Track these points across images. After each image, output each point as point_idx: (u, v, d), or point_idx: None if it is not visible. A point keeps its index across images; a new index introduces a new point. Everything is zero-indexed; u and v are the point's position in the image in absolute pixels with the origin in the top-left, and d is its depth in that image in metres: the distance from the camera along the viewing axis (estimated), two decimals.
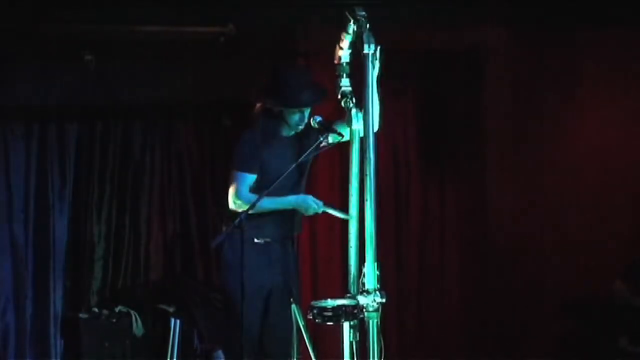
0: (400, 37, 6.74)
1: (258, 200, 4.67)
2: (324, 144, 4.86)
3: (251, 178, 4.89)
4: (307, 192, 5.05)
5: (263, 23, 6.78)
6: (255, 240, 4.92)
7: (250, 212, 4.65)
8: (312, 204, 4.93)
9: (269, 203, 4.81)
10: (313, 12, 6.67)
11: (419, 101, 7.17)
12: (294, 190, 4.99)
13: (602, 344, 6.63)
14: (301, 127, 4.95)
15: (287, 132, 4.99)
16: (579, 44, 7.04)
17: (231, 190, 4.89)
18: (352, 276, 4.71)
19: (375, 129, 4.60)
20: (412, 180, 7.17)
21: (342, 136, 4.82)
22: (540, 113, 7.09)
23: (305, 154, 4.83)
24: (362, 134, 4.64)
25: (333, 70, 4.92)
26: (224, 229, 4.94)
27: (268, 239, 4.97)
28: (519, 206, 7.10)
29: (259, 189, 4.84)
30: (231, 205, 4.90)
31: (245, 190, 4.87)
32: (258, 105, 5.00)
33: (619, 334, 6.60)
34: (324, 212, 5.00)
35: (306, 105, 4.91)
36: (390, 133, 6.99)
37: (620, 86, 7.03)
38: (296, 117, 4.92)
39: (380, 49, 4.53)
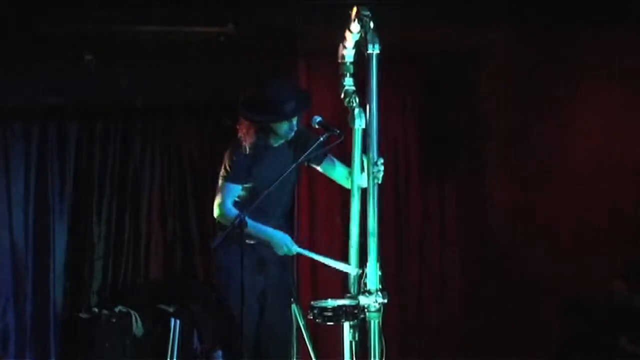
0: (400, 37, 6.74)
1: (244, 217, 4.65)
2: (322, 139, 4.83)
3: (236, 189, 4.91)
4: (308, 196, 5.05)
5: (263, 23, 6.78)
6: (247, 241, 4.90)
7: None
8: (286, 245, 4.90)
9: (249, 226, 4.79)
10: (313, 12, 6.66)
11: (419, 101, 7.17)
12: (281, 197, 4.99)
13: (602, 344, 6.62)
14: (292, 135, 4.92)
15: (276, 142, 4.98)
16: (579, 44, 7.04)
17: (216, 200, 4.94)
18: (352, 276, 4.70)
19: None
20: (412, 180, 7.17)
21: (342, 137, 4.80)
22: (540, 113, 7.09)
23: (306, 153, 4.81)
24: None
25: (332, 70, 4.91)
26: (218, 234, 4.93)
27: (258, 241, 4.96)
28: (519, 206, 7.10)
29: (251, 197, 4.85)
30: (216, 215, 4.94)
31: (228, 201, 4.89)
32: (244, 119, 4.96)
33: (619, 334, 6.59)
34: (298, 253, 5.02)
35: (291, 117, 4.87)
36: (390, 133, 6.99)
37: (620, 86, 7.03)
38: (285, 127, 4.88)
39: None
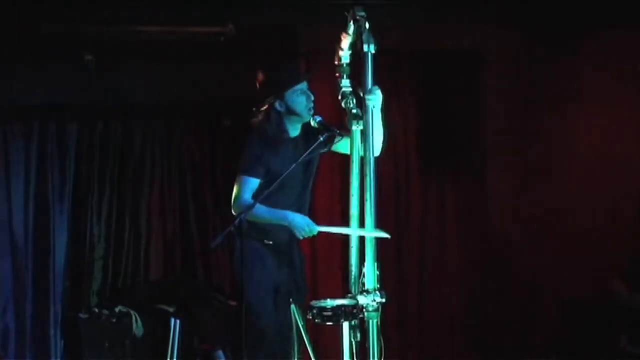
0: (400, 37, 6.76)
1: (254, 204, 4.65)
2: (322, 139, 4.81)
3: (255, 182, 4.83)
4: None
5: (263, 23, 6.79)
6: (265, 241, 4.90)
7: (250, 218, 4.64)
8: (307, 225, 4.79)
9: (266, 213, 4.78)
10: (313, 12, 6.66)
11: (419, 101, 7.17)
12: (300, 193, 4.96)
13: (602, 344, 6.62)
14: (311, 112, 4.85)
15: (293, 132, 4.93)
16: (579, 45, 7.05)
17: (234, 194, 4.86)
18: (353, 276, 4.70)
19: (377, 153, 4.60)
20: (412, 180, 7.17)
21: (342, 137, 4.80)
22: (540, 113, 7.10)
23: (305, 154, 4.78)
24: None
25: (333, 70, 4.90)
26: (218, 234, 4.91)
27: (276, 241, 4.94)
28: (519, 206, 7.11)
29: (268, 197, 4.75)
30: (232, 208, 4.87)
31: (247, 194, 4.81)
32: (261, 108, 4.94)
33: (619, 334, 6.60)
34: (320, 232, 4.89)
35: (304, 79, 4.86)
36: (390, 133, 6.98)
37: (620, 86, 7.03)
38: (302, 99, 4.83)
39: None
